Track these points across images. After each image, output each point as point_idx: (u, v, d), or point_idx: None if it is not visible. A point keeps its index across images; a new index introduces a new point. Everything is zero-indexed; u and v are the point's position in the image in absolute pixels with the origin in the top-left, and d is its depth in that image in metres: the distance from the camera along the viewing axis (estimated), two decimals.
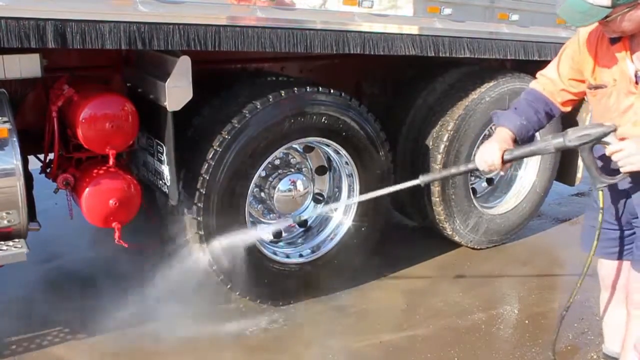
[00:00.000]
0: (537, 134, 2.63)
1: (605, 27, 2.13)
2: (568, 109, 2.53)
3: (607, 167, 2.32)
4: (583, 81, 2.39)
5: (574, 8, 2.05)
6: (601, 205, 2.33)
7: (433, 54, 3.47)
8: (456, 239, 4.24)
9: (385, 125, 3.68)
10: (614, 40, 2.20)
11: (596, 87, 2.31)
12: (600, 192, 2.32)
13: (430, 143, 3.97)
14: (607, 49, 2.24)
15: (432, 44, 3.45)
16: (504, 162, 2.39)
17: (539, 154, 2.45)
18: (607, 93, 2.28)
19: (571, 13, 2.07)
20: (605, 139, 2.21)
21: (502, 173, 2.66)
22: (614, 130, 2.21)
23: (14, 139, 2.69)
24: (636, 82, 2.18)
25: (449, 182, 4.01)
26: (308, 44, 3.00)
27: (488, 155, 2.41)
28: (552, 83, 2.48)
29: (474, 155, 2.62)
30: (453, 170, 2.80)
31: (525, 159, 4.54)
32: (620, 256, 2.57)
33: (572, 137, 2.27)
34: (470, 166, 2.53)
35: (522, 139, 2.47)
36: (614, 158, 2.19)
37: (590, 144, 2.26)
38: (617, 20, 2.06)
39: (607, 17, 2.03)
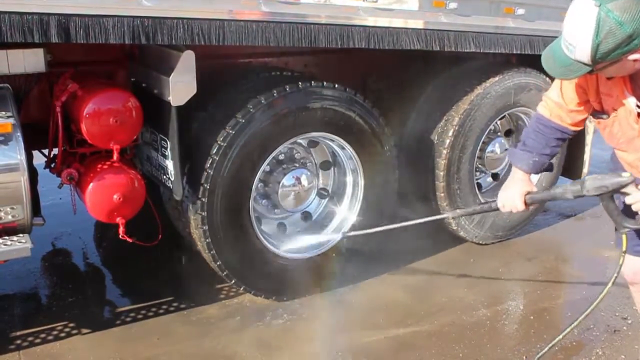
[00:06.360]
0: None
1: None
2: (581, 127, 2.44)
3: (630, 210, 2.23)
4: (588, 101, 2.27)
5: (556, 61, 1.94)
6: (624, 249, 2.28)
7: (438, 49, 3.45)
8: (461, 234, 4.23)
9: (390, 120, 3.66)
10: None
11: (597, 117, 2.23)
12: (624, 236, 2.27)
13: (435, 138, 3.95)
14: (607, 79, 2.11)
15: (438, 38, 3.43)
16: (526, 204, 2.46)
17: (558, 199, 2.49)
18: (609, 123, 2.19)
19: (553, 66, 1.96)
20: (624, 190, 2.16)
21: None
22: (632, 182, 2.13)
23: (18, 134, 2.69)
24: (638, 115, 2.07)
25: (454, 177, 3.99)
26: (312, 39, 2.99)
27: (510, 202, 2.47)
28: (558, 106, 2.37)
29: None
30: (477, 208, 2.87)
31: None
32: None
33: (589, 187, 2.23)
34: (494, 206, 2.59)
35: (540, 172, 2.53)
36: (633, 208, 2.14)
37: (608, 194, 2.22)
38: (603, 71, 1.95)
39: (591, 71, 1.92)
